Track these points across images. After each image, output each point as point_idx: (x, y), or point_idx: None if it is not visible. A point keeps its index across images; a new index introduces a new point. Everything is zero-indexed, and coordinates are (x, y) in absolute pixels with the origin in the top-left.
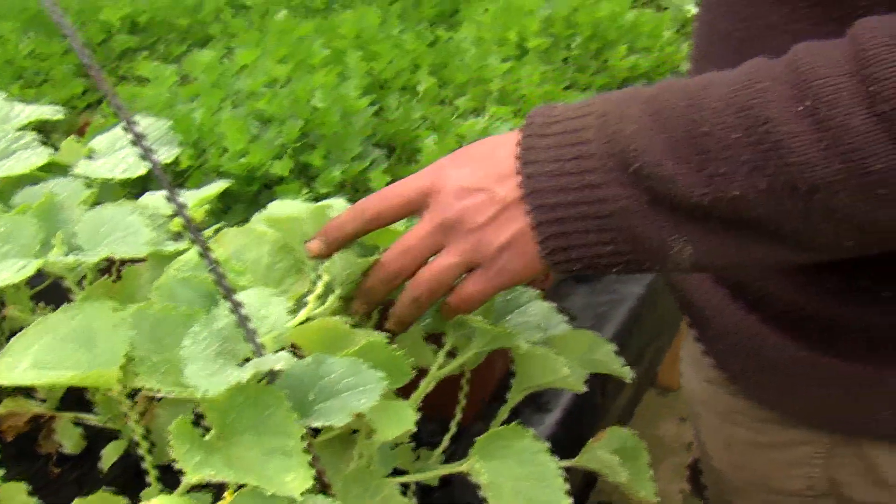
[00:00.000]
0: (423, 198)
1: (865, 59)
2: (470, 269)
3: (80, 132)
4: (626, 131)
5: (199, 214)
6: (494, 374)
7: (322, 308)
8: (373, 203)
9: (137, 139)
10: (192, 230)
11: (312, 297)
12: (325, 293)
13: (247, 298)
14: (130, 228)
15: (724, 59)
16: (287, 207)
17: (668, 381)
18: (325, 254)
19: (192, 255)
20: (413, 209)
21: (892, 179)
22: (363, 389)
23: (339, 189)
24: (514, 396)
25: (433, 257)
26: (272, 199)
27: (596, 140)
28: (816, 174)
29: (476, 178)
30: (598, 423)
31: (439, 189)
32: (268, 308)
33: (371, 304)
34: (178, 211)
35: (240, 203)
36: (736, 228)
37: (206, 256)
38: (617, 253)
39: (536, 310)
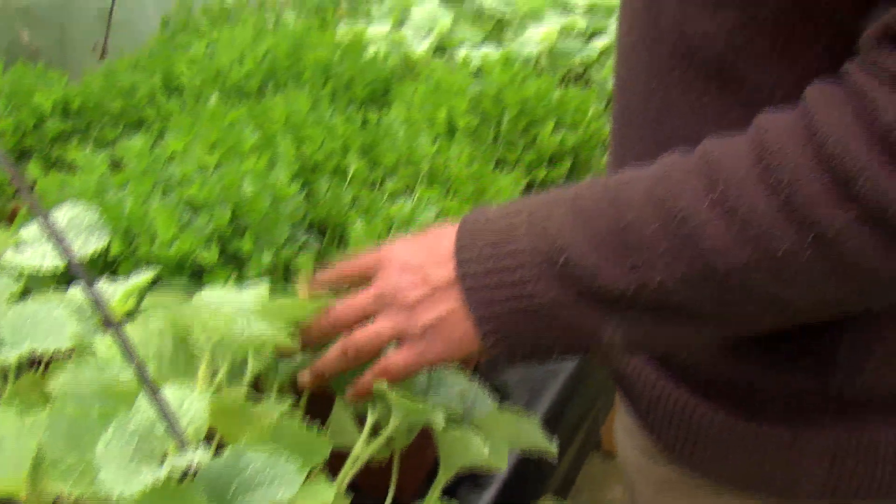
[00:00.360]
0: (374, 268)
1: (765, 151)
2: (400, 340)
3: (11, 219)
4: (553, 229)
5: (128, 305)
6: (432, 453)
7: (216, 384)
8: (343, 265)
9: (52, 233)
10: (114, 326)
11: (204, 374)
12: (215, 372)
13: (166, 394)
14: (55, 324)
15: (640, 140)
16: (211, 297)
17: (614, 445)
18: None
19: (101, 350)
20: (367, 276)
21: (798, 260)
22: (282, 481)
23: (269, 273)
24: (442, 477)
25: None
26: (203, 285)
27: (526, 237)
28: (730, 259)
29: (418, 259)
30: (540, 492)
31: (386, 262)
32: (186, 403)
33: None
34: (97, 305)
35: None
36: (661, 314)
37: (128, 352)
38: (553, 342)
39: (459, 386)
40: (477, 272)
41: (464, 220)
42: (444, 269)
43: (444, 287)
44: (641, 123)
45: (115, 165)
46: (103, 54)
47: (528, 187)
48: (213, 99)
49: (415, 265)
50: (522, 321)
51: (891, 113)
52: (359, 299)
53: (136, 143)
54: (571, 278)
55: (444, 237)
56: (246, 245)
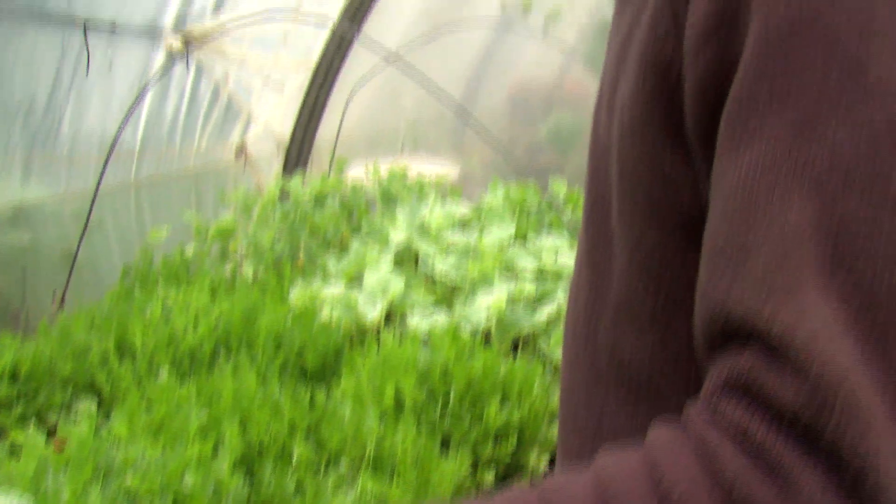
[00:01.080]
0: None
1: (609, 498)
2: None
3: None
4: None
5: None
6: None
7: None
8: None
9: None
10: None
11: None
12: None
13: None
14: None
15: (582, 442)
16: None
17: None
18: None
19: None
20: None
21: None
22: None
23: None
24: None
25: None
26: None
27: None
28: None
29: None
30: None
31: None
32: None
33: None
34: None
35: None
36: None
37: None
38: None
39: None
40: None
41: None
42: None
43: None
44: (584, 427)
45: (60, 440)
46: (62, 304)
47: (474, 467)
48: (164, 373)
49: None
50: None
51: (733, 468)
52: None
53: (79, 428)
54: None
55: None
56: None
